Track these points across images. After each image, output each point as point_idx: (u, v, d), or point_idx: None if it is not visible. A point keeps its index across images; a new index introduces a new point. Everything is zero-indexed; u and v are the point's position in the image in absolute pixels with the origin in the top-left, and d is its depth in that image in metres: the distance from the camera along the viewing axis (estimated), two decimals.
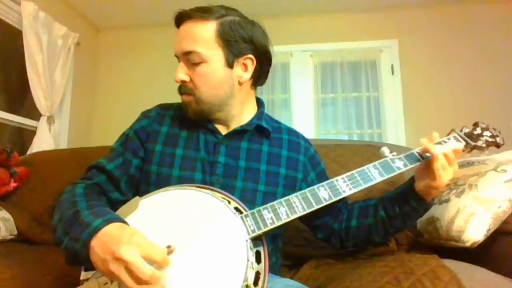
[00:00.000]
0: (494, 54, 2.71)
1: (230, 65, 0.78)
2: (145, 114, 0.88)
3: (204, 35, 0.76)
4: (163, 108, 0.89)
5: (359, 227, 0.85)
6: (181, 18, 0.79)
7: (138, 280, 0.53)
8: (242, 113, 0.84)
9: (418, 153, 0.77)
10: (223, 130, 0.83)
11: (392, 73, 2.84)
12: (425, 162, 0.74)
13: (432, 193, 0.76)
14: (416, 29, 2.84)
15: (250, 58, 0.80)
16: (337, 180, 0.72)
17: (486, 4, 2.75)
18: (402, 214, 0.80)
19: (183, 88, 0.79)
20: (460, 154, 0.77)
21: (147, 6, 2.83)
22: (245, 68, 0.81)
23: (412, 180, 0.80)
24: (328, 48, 2.92)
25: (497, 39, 2.72)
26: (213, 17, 0.77)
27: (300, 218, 0.79)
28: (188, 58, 0.77)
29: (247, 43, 0.79)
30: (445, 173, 0.72)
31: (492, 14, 2.75)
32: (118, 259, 0.53)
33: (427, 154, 0.73)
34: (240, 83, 0.81)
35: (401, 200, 0.80)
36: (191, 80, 0.78)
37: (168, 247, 0.59)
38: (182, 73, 0.78)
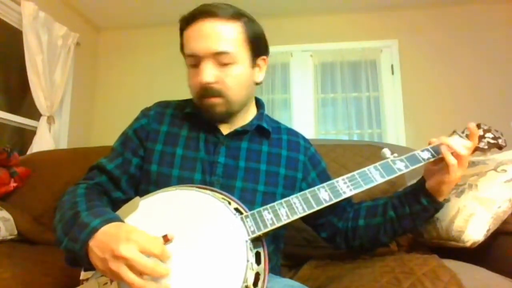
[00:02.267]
0: (494, 54, 2.71)
1: (252, 66, 0.79)
2: (144, 113, 0.87)
3: (234, 36, 0.74)
4: (163, 106, 0.89)
5: (366, 227, 0.83)
6: (201, 15, 0.74)
7: (140, 274, 0.54)
8: (245, 113, 0.85)
9: (428, 150, 0.77)
10: (225, 130, 0.83)
11: (392, 73, 2.84)
12: (436, 159, 0.75)
13: (443, 191, 0.75)
14: (416, 29, 2.84)
15: (264, 59, 0.82)
16: (337, 181, 0.72)
17: (486, 4, 2.75)
18: (412, 213, 0.78)
19: (209, 90, 0.75)
20: (471, 150, 0.77)
21: (147, 6, 2.83)
22: (260, 68, 0.82)
23: (422, 179, 0.79)
24: (328, 48, 2.92)
25: (497, 39, 2.72)
26: (238, 17, 0.75)
27: (303, 218, 0.79)
28: (218, 59, 0.74)
29: (263, 44, 0.81)
30: (459, 167, 0.72)
31: (492, 14, 2.75)
32: (118, 257, 0.54)
33: (436, 148, 0.75)
34: (256, 84, 0.82)
35: (411, 199, 0.79)
36: (219, 81, 0.75)
37: (164, 236, 0.59)
38: (212, 75, 0.74)
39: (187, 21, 0.76)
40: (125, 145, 0.83)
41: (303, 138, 0.93)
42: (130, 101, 2.96)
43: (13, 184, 1.50)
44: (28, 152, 2.24)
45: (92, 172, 0.82)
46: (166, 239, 0.59)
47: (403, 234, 0.87)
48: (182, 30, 0.79)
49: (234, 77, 0.75)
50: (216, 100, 0.76)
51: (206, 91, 0.75)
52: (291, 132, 0.92)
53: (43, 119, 2.41)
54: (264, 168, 0.81)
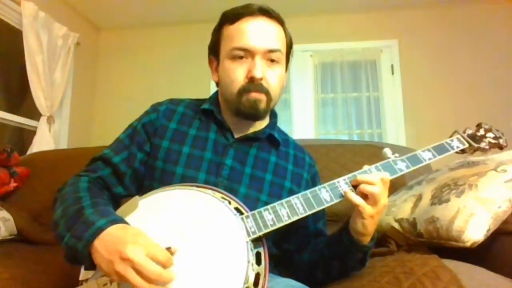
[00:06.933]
0: (494, 54, 2.71)
1: (285, 71, 0.83)
2: (154, 108, 0.86)
3: (282, 37, 0.80)
4: (174, 103, 0.87)
5: (310, 262, 0.82)
6: (257, 13, 0.77)
7: (146, 279, 0.53)
8: (260, 121, 0.84)
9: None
10: (236, 133, 0.83)
11: (392, 73, 2.84)
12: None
13: (365, 226, 0.69)
14: (416, 29, 2.85)
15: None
16: (338, 181, 0.71)
17: (486, 4, 2.76)
18: (339, 254, 0.76)
19: (258, 86, 0.75)
20: (387, 183, 0.69)
21: (147, 6, 2.83)
22: (285, 76, 0.85)
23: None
24: (328, 48, 2.93)
25: (497, 39, 2.72)
26: (283, 23, 0.81)
27: (276, 240, 0.80)
28: (268, 56, 0.76)
29: (290, 55, 0.85)
30: (369, 204, 0.67)
31: (492, 14, 2.75)
32: (125, 259, 0.53)
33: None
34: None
35: (338, 237, 0.76)
36: (265, 78, 0.76)
37: (168, 248, 0.59)
38: (263, 71, 0.75)
39: (238, 16, 0.77)
40: (132, 138, 0.82)
41: (309, 155, 0.92)
42: (130, 101, 2.96)
43: (13, 184, 1.50)
44: (28, 152, 2.24)
45: (95, 164, 0.80)
46: (169, 252, 0.58)
47: (339, 276, 0.79)
48: (226, 23, 0.79)
49: (277, 77, 0.78)
50: (260, 96, 0.76)
51: (253, 86, 0.75)
52: (298, 148, 0.92)
53: (43, 119, 2.41)
54: (270, 178, 0.81)
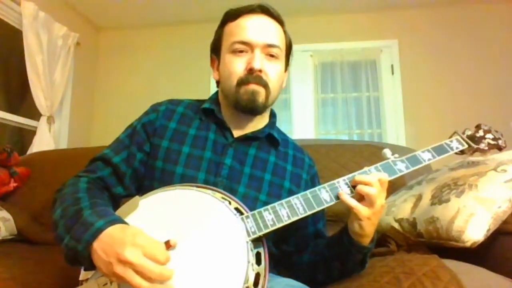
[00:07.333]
0: (494, 54, 2.71)
1: (284, 71, 0.85)
2: (154, 108, 0.86)
3: (282, 36, 0.83)
4: (174, 103, 0.87)
5: (309, 263, 0.83)
6: (258, 10, 0.80)
7: (147, 279, 0.53)
8: (259, 120, 0.85)
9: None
10: (236, 133, 0.83)
11: (392, 73, 2.84)
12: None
13: (362, 228, 0.69)
14: (416, 29, 2.85)
15: (286, 72, 0.87)
16: (338, 182, 0.71)
17: (486, 4, 2.76)
18: (339, 255, 0.76)
19: (257, 77, 0.76)
20: (385, 184, 0.69)
21: (147, 6, 2.83)
22: (285, 77, 0.86)
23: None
24: (328, 48, 2.93)
25: (497, 39, 2.72)
26: (283, 23, 0.84)
27: (276, 240, 0.80)
28: (268, 50, 0.78)
29: (290, 56, 0.88)
30: (364, 205, 0.68)
31: (492, 14, 2.75)
32: (124, 262, 0.53)
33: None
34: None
35: (339, 238, 0.76)
36: (264, 71, 0.77)
37: (167, 242, 0.59)
38: (262, 63, 0.77)
39: (240, 13, 0.81)
40: (132, 138, 0.82)
41: (308, 156, 0.92)
42: (130, 101, 2.96)
43: (13, 184, 1.50)
44: (28, 152, 2.24)
45: (95, 164, 0.80)
46: (168, 245, 0.58)
47: (340, 276, 0.79)
48: (228, 21, 0.83)
49: (275, 72, 0.80)
50: (259, 88, 0.77)
51: (252, 78, 0.76)
52: (297, 149, 0.92)
53: (43, 119, 2.41)
54: (269, 178, 0.81)
